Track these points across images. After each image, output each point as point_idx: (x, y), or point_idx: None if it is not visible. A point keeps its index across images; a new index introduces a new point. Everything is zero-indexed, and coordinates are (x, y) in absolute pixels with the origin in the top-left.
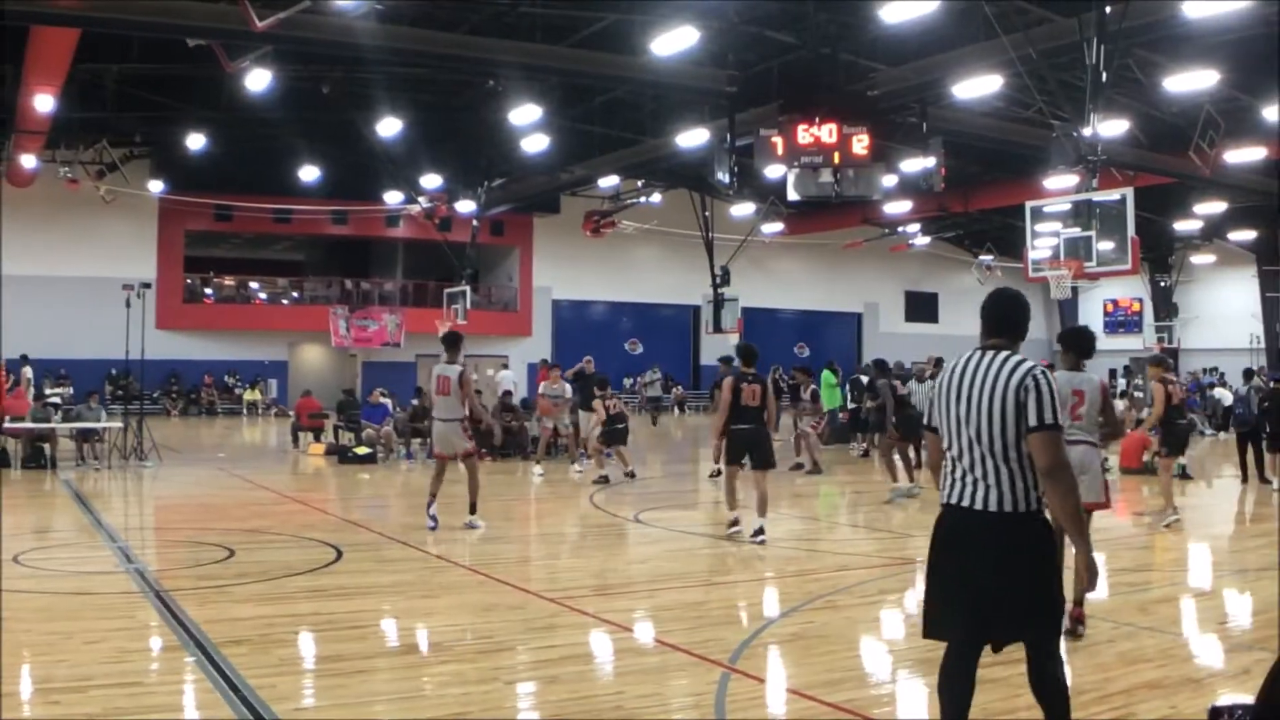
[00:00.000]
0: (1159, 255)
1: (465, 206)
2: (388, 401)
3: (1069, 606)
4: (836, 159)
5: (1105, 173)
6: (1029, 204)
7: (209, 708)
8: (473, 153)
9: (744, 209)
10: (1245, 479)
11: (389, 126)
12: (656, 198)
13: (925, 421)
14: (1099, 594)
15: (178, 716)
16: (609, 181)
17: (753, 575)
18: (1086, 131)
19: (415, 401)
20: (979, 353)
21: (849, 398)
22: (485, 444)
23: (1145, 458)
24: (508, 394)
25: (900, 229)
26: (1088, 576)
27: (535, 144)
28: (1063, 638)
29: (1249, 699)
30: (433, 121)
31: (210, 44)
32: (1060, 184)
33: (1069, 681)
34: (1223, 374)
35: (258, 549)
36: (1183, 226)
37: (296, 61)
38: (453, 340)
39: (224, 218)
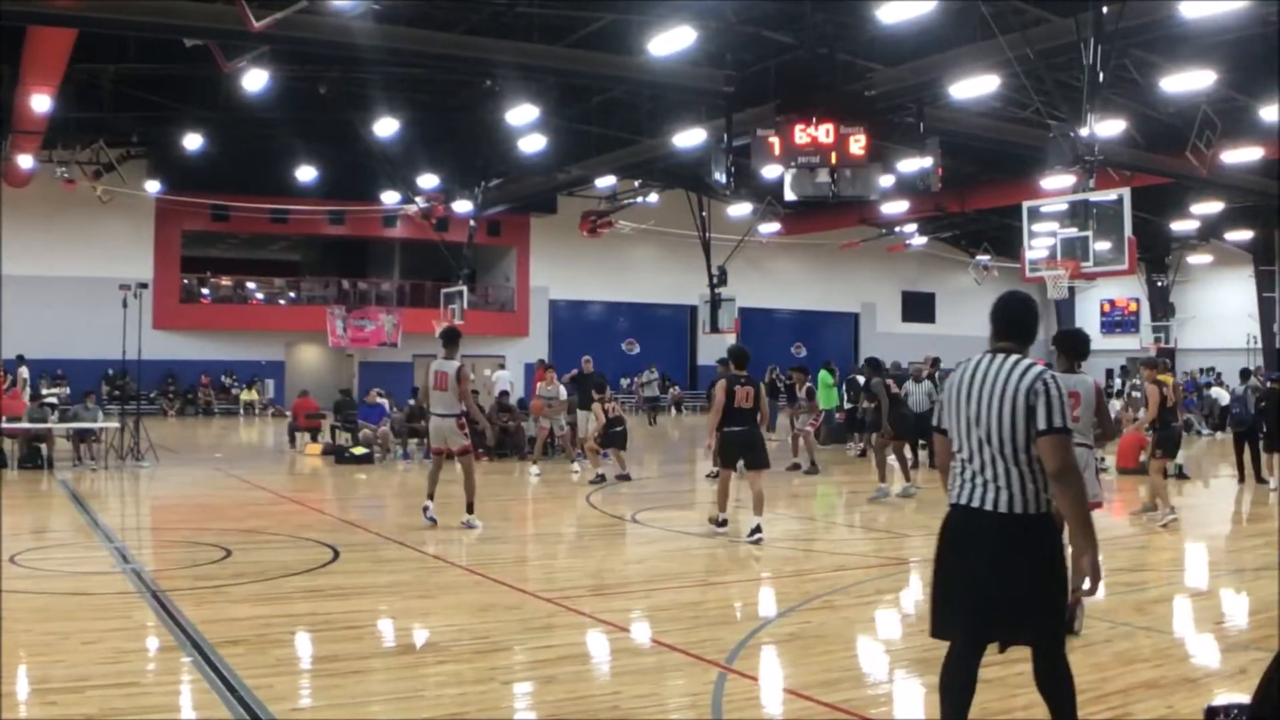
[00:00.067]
0: (1156, 255)
1: (462, 206)
2: (384, 402)
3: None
4: (833, 159)
5: (1102, 173)
6: (1026, 204)
7: (206, 708)
8: (470, 153)
9: (741, 209)
10: (1242, 479)
11: (386, 126)
12: (653, 198)
13: (935, 423)
14: (1096, 594)
15: (175, 717)
16: (606, 181)
17: (750, 575)
18: (1083, 131)
19: (412, 401)
20: (989, 356)
21: (845, 398)
22: (480, 444)
23: (1141, 458)
24: (505, 394)
25: (897, 229)
26: (1092, 578)
27: (532, 144)
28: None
29: (1245, 699)
30: (430, 121)
31: (207, 44)
32: (1057, 184)
33: None
34: (1219, 374)
35: (254, 549)
36: (1179, 226)
37: (293, 61)
38: (451, 336)
39: (221, 218)
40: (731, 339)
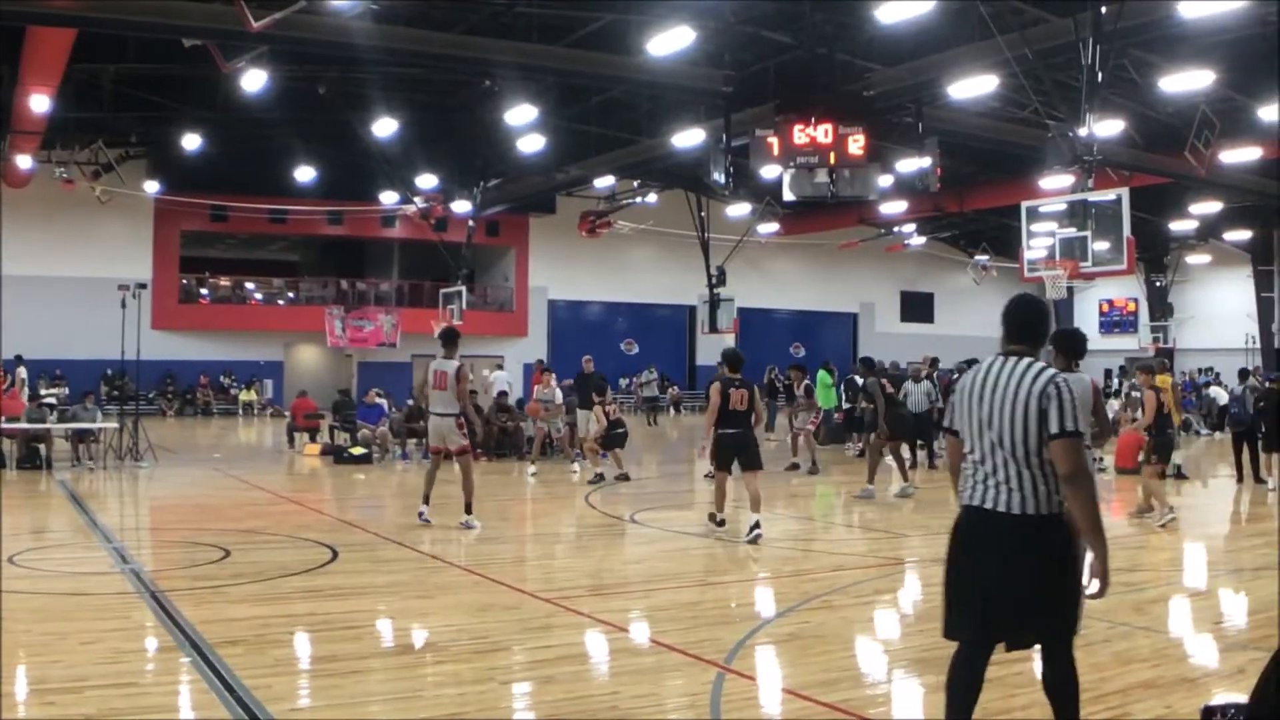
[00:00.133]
0: (1154, 255)
1: (461, 207)
2: (383, 402)
3: None
4: (832, 159)
5: (1101, 173)
6: (1025, 204)
7: (204, 708)
8: (468, 153)
9: (740, 209)
10: (1240, 479)
11: (384, 127)
12: (652, 198)
13: (946, 424)
14: (1104, 596)
15: (173, 717)
16: (605, 182)
17: (748, 575)
18: (1082, 131)
19: (411, 401)
20: (1001, 359)
21: (844, 398)
22: (475, 444)
23: (1140, 458)
24: (503, 394)
25: (896, 229)
26: (1102, 581)
27: (531, 144)
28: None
29: (1242, 698)
30: (428, 122)
31: (206, 44)
32: (1056, 184)
33: None
34: (1217, 373)
35: (253, 549)
36: (1178, 226)
37: (292, 62)
38: (450, 337)
39: (219, 218)
40: (730, 339)
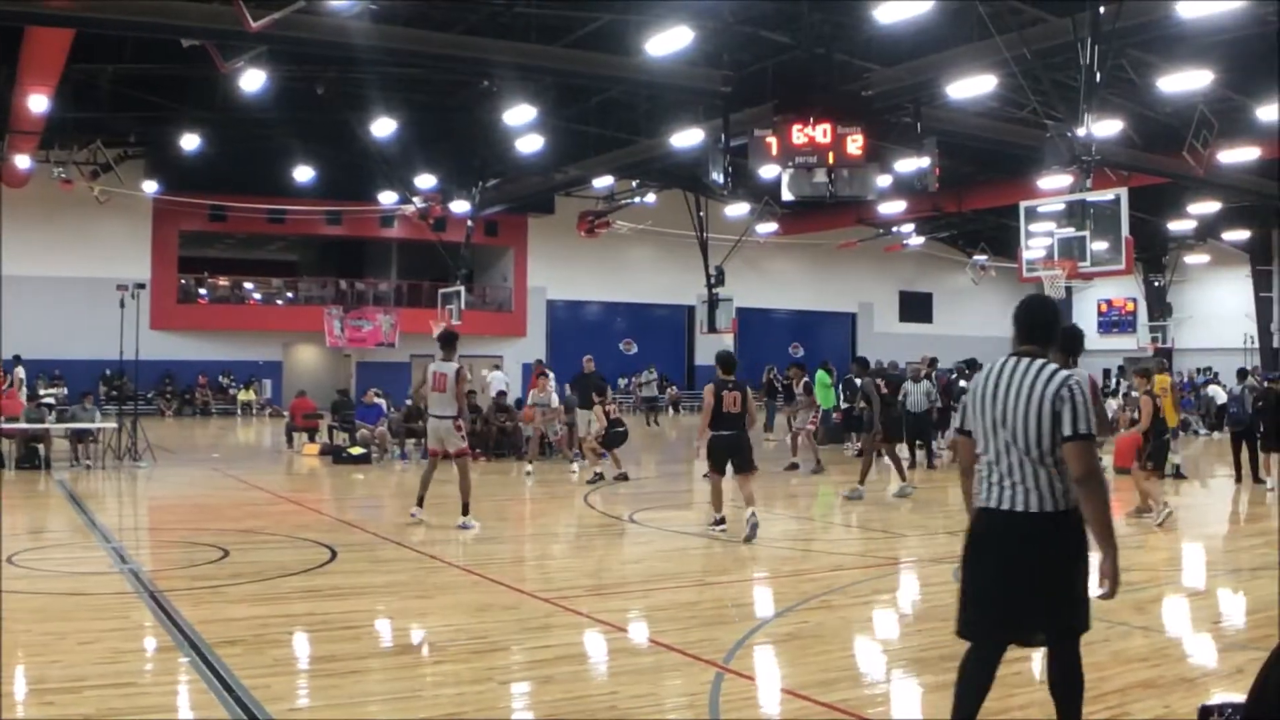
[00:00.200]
0: (1153, 255)
1: (460, 207)
2: (382, 402)
3: None
4: (831, 159)
5: (1099, 173)
6: (1023, 204)
7: (203, 708)
8: (467, 153)
9: (738, 209)
10: (1239, 479)
11: (383, 127)
12: (651, 198)
13: (958, 425)
14: (1114, 597)
15: (172, 717)
16: (603, 182)
17: (747, 575)
18: (1080, 131)
19: (409, 401)
20: (1013, 359)
21: (842, 397)
22: (480, 444)
23: (1135, 464)
24: (502, 394)
25: (894, 229)
26: (1111, 581)
27: (530, 144)
28: None
29: (1240, 698)
30: (427, 122)
31: (204, 44)
32: (1054, 184)
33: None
34: (1216, 373)
35: (252, 549)
36: (1177, 226)
37: (291, 62)
38: (449, 339)
39: (218, 218)
40: (729, 339)
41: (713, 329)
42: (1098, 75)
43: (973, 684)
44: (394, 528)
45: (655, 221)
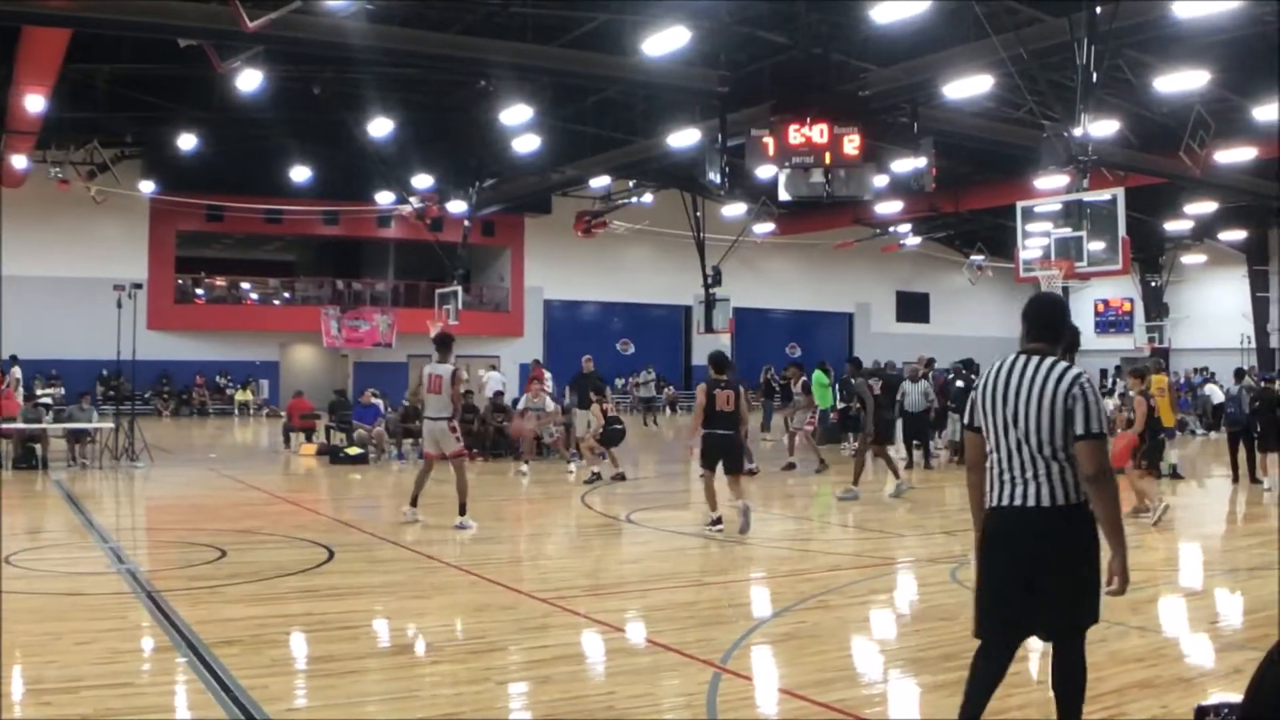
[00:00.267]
0: (1150, 255)
1: (457, 207)
2: (379, 402)
3: None
4: (827, 159)
5: (1096, 173)
6: (1020, 204)
7: (201, 708)
8: (464, 153)
9: (735, 209)
10: (1236, 479)
11: (380, 127)
12: (648, 198)
13: (967, 422)
14: (1123, 594)
15: (170, 717)
16: (600, 182)
17: (744, 575)
18: (1077, 132)
19: (406, 402)
20: (1023, 356)
21: (839, 397)
22: (477, 444)
23: (1130, 463)
24: (499, 394)
25: (891, 229)
26: (1121, 579)
27: (526, 144)
28: None
29: (1236, 698)
30: (424, 122)
31: (201, 44)
32: (1051, 184)
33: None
34: (1213, 373)
35: (249, 549)
36: (1173, 227)
37: (287, 62)
38: (445, 341)
39: (215, 218)
40: (726, 339)
41: (710, 329)
42: (1094, 75)
43: (985, 679)
44: (391, 528)
45: (652, 221)
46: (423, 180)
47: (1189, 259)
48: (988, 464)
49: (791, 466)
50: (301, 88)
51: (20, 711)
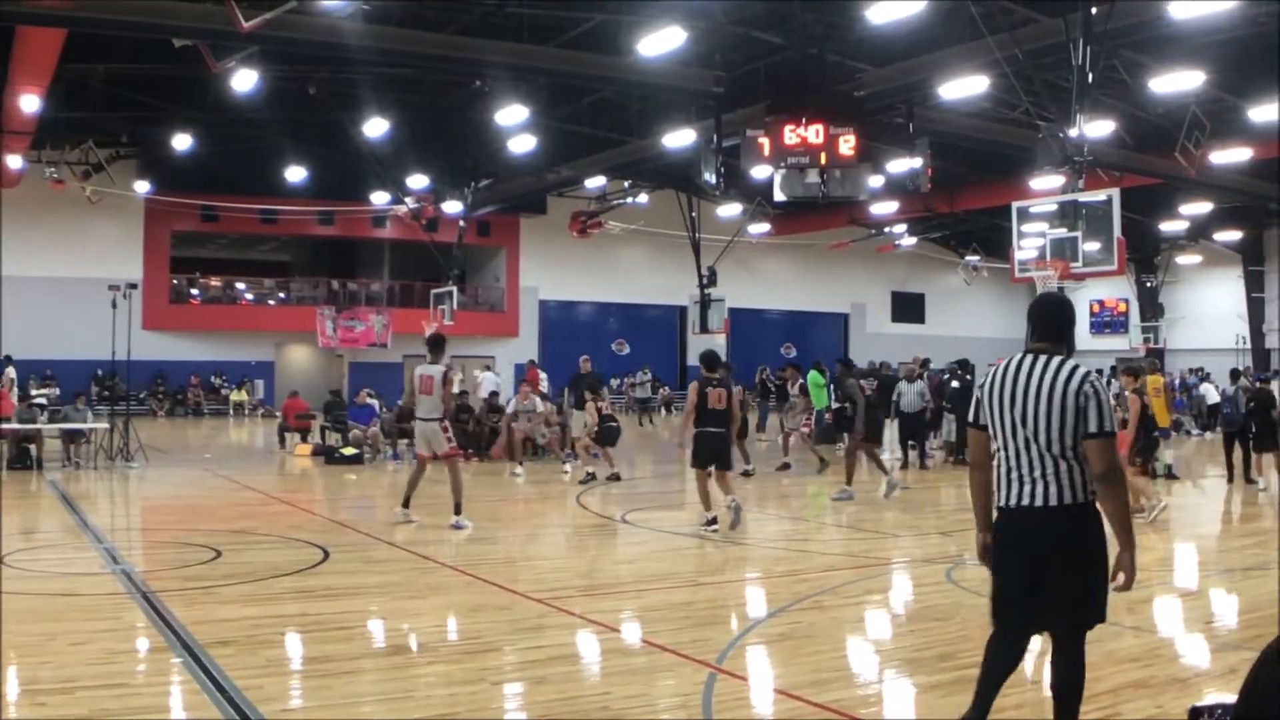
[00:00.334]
0: (1145, 256)
1: (452, 207)
2: (374, 402)
3: None
4: (823, 159)
5: (1091, 173)
6: (1015, 204)
7: (196, 709)
8: (459, 153)
9: (730, 209)
10: (1231, 479)
11: (375, 127)
12: (643, 198)
13: (971, 420)
14: (1130, 589)
15: (165, 718)
16: (595, 182)
17: (740, 575)
18: (1072, 132)
19: (401, 402)
20: (1029, 356)
21: (834, 398)
22: (474, 444)
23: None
24: (494, 395)
25: (886, 229)
26: (1129, 574)
27: (522, 144)
28: None
29: (1230, 698)
30: (419, 122)
31: (196, 44)
32: (1046, 185)
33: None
34: (1208, 373)
35: (244, 550)
36: (1169, 227)
37: (283, 62)
38: (437, 342)
39: (210, 218)
40: (721, 340)
41: (705, 330)
42: (1090, 76)
43: (998, 665)
44: (386, 528)
45: (647, 222)
46: (418, 180)
47: (1184, 259)
48: (994, 463)
49: (786, 467)
50: (297, 88)
51: (15, 712)
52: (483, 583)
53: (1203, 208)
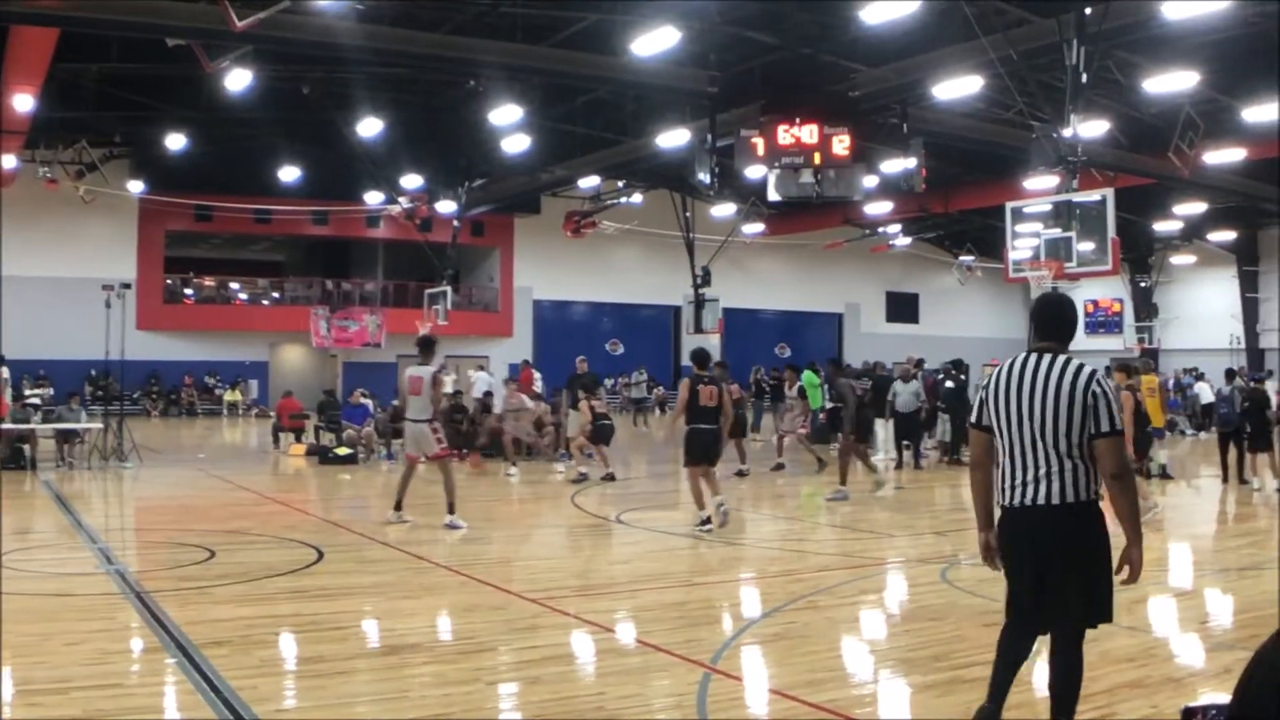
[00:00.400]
0: (1139, 256)
1: (446, 207)
2: (368, 402)
3: None
4: (817, 159)
5: (1085, 173)
6: (1009, 205)
7: (190, 709)
8: (453, 153)
9: (725, 209)
10: (1226, 479)
11: (369, 127)
12: (637, 198)
13: (974, 420)
14: (1136, 582)
15: (159, 718)
16: (590, 182)
17: (734, 575)
18: (1066, 132)
19: (395, 402)
20: (1034, 355)
21: (828, 398)
22: (467, 444)
23: None
24: (488, 395)
25: (881, 229)
26: (1135, 569)
27: (516, 144)
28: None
29: (1224, 698)
30: (413, 121)
31: (190, 44)
32: (1040, 185)
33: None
34: (1202, 373)
35: (238, 550)
36: (1163, 227)
37: (276, 61)
38: (427, 344)
39: (204, 218)
40: (716, 340)
41: (699, 329)
42: (1083, 76)
43: (1008, 658)
44: (380, 528)
45: (641, 222)
46: (412, 180)
47: (1178, 259)
48: (999, 461)
49: (780, 467)
50: (290, 87)
51: (9, 712)
52: (477, 583)
53: (1197, 208)
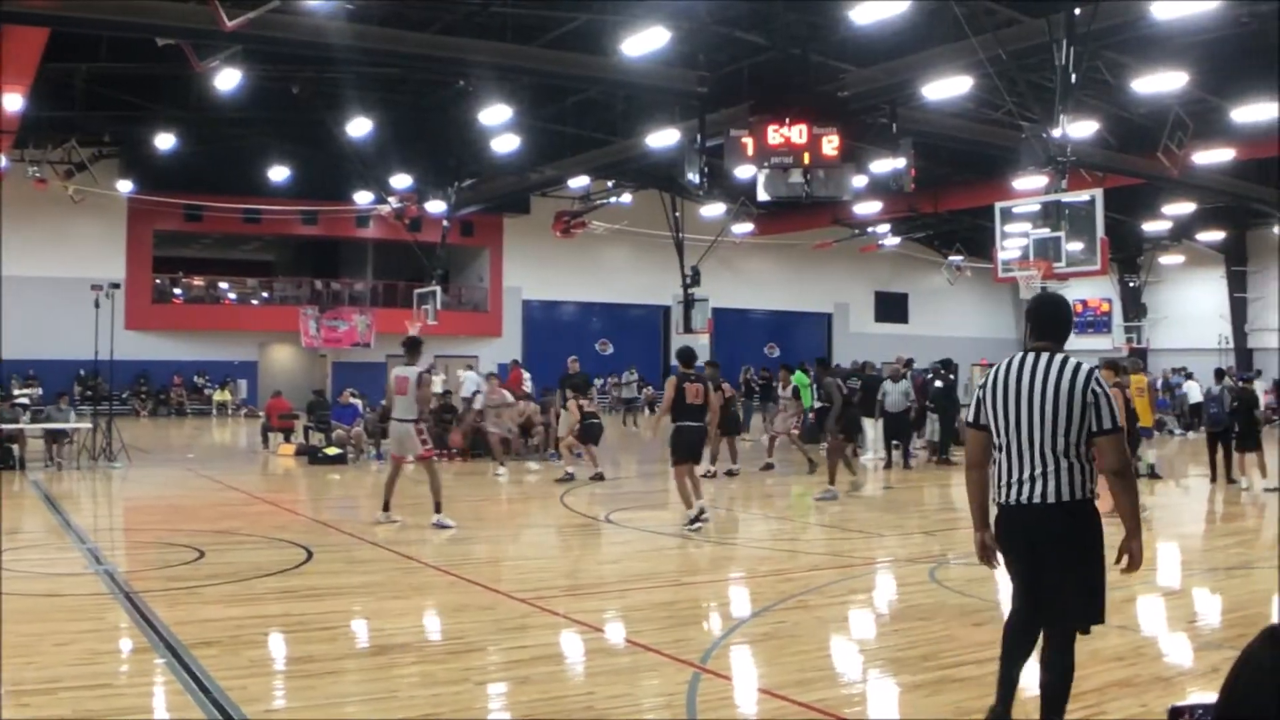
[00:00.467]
0: (1128, 256)
1: (435, 207)
2: (358, 402)
3: None
4: (806, 159)
5: (1074, 174)
6: (998, 205)
7: (179, 709)
8: (443, 153)
9: (714, 209)
10: (1214, 479)
11: (359, 126)
12: (627, 198)
13: (970, 420)
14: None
15: (148, 718)
16: (579, 182)
17: (724, 575)
18: (1056, 132)
19: (384, 402)
20: (1032, 354)
21: (818, 397)
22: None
23: None
24: (477, 394)
25: (870, 229)
26: (1135, 560)
27: (506, 144)
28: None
29: (1211, 698)
30: (403, 121)
31: (179, 43)
32: (1029, 185)
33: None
34: (1190, 373)
35: (228, 550)
36: (1151, 227)
37: (266, 61)
38: (414, 345)
39: (193, 218)
40: (705, 340)
41: (689, 329)
42: (1073, 76)
43: (1013, 652)
44: (369, 528)
45: (631, 222)
46: (401, 180)
47: (1167, 259)
48: (995, 460)
49: (770, 467)
50: (280, 87)
51: None
52: (466, 583)
53: (1186, 208)
